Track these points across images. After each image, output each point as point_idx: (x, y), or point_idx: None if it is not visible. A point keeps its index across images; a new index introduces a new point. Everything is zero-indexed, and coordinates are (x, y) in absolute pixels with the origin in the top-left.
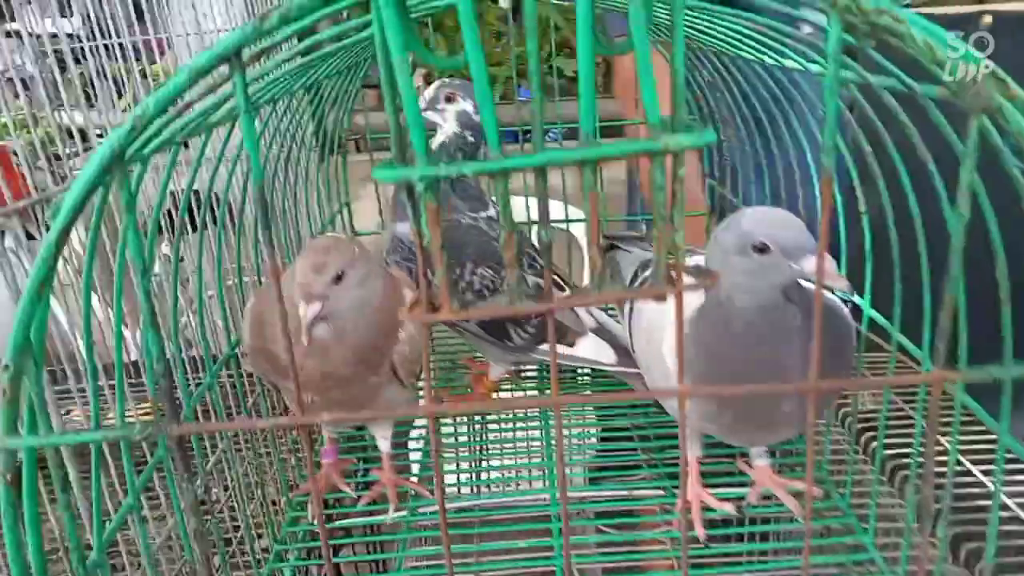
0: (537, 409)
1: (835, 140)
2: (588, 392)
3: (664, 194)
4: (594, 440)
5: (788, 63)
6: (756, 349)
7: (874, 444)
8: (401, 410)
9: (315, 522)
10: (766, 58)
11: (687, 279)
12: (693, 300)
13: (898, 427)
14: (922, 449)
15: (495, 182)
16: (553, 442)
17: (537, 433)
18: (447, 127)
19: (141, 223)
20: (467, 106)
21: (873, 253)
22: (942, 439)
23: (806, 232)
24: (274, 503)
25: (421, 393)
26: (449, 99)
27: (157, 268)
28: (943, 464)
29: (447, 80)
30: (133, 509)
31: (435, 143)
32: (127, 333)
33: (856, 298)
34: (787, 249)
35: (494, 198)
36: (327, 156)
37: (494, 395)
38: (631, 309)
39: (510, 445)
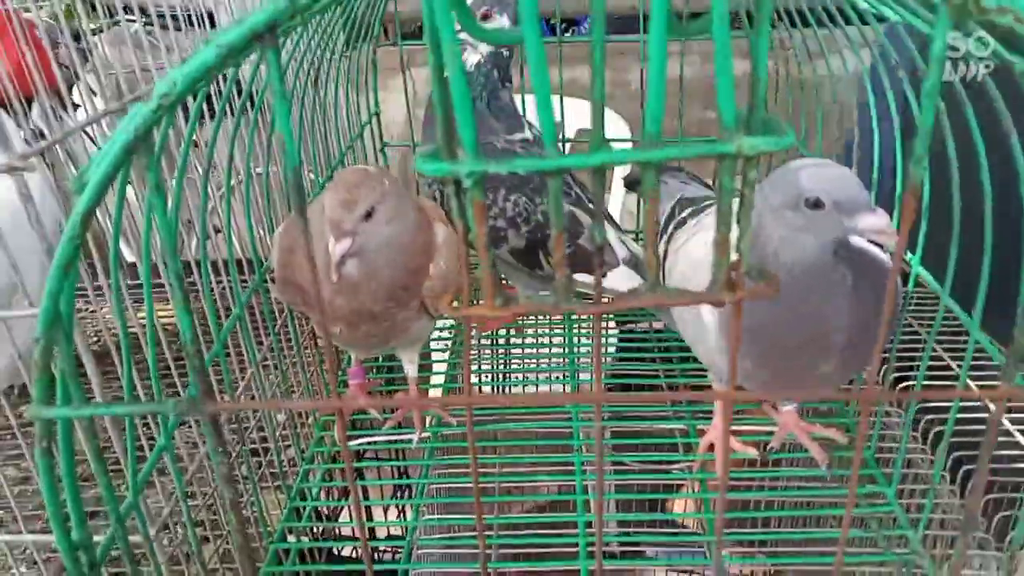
0: (561, 326)
1: (926, 150)
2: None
3: (730, 198)
4: (613, 349)
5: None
6: (800, 307)
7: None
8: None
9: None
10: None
11: (748, 284)
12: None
13: (930, 376)
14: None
15: (549, 182)
16: (578, 350)
17: (559, 350)
18: (482, 46)
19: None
20: (503, 22)
21: (930, 210)
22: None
23: (862, 188)
24: (303, 419)
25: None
26: (485, 17)
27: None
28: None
29: None
30: (165, 449)
31: (467, 62)
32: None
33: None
34: (842, 205)
35: (531, 120)
36: (357, 46)
37: (519, 321)
38: (666, 252)
39: (532, 371)
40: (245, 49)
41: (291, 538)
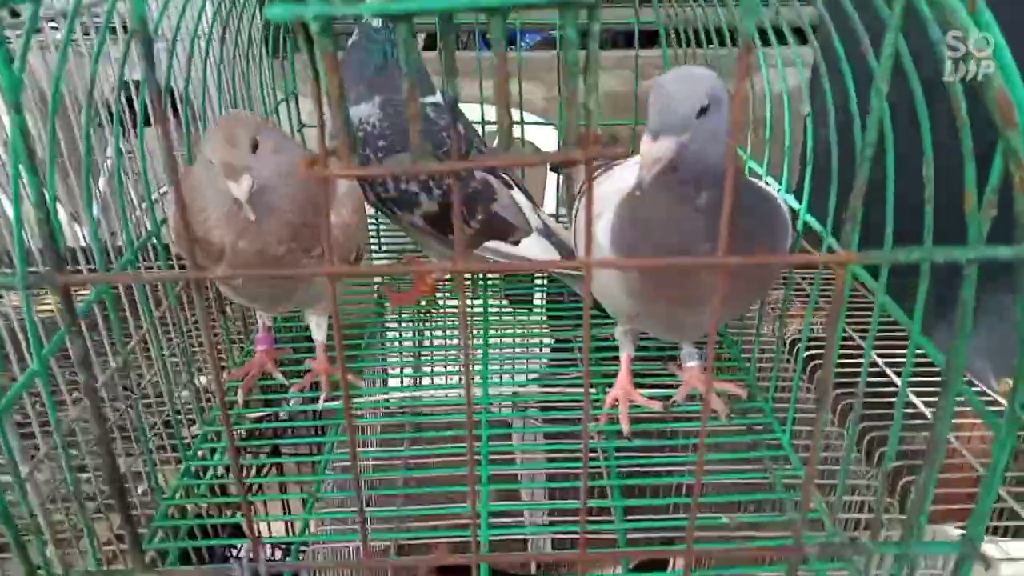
0: (479, 316)
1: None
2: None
3: (574, 52)
4: (548, 351)
5: None
6: (660, 230)
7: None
8: (301, 271)
9: (244, 407)
10: None
11: (597, 147)
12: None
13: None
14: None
15: (398, 27)
16: (490, 349)
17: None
18: None
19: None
20: None
21: (814, 157)
22: (860, 341)
23: (663, 114)
24: (207, 390)
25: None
26: None
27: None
28: (857, 365)
29: None
30: (38, 375)
31: (373, 19)
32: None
33: (792, 200)
34: (656, 127)
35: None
36: (276, 52)
37: (436, 294)
38: (576, 210)
39: (448, 352)
40: None
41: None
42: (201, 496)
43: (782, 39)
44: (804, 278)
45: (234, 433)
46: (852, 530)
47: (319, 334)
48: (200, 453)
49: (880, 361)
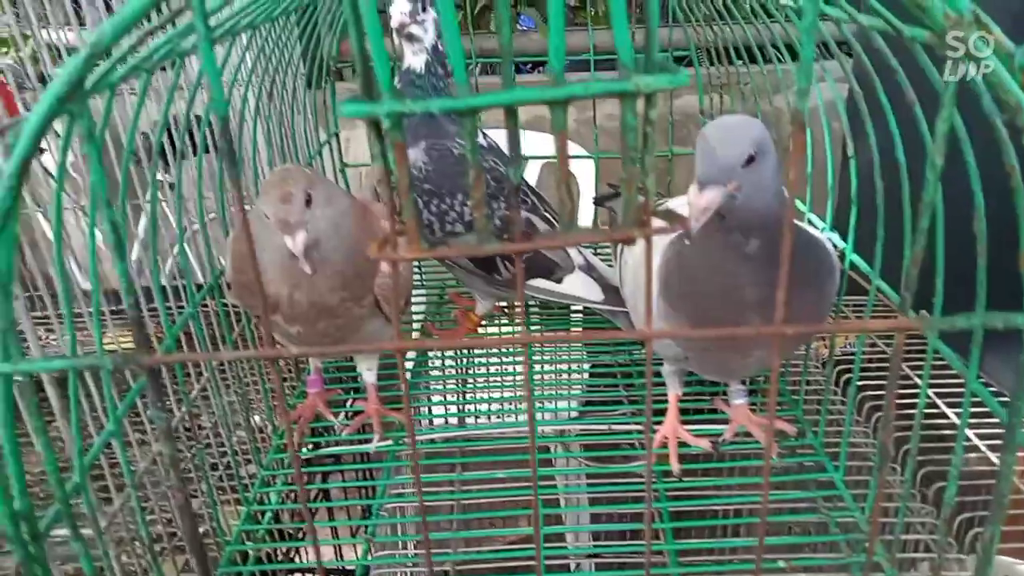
0: (521, 352)
1: (809, 83)
2: (574, 329)
3: (635, 136)
4: (586, 376)
5: None
6: (709, 277)
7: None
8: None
9: (298, 449)
10: None
11: (656, 223)
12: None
13: (875, 368)
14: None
15: (463, 121)
16: (536, 377)
17: (521, 368)
18: (428, 38)
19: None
20: (428, 27)
21: (859, 198)
22: (916, 379)
23: (713, 162)
24: (261, 431)
25: (410, 326)
26: (427, 5)
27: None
28: (914, 406)
29: None
30: (114, 435)
31: (419, 62)
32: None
33: (836, 238)
34: (703, 177)
35: (485, 131)
36: (316, 84)
37: (480, 330)
38: (621, 249)
39: (496, 379)
40: None
41: (248, 544)
42: (263, 541)
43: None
44: (854, 311)
45: (281, 476)
46: (908, 568)
47: (370, 376)
48: (259, 496)
49: (931, 393)
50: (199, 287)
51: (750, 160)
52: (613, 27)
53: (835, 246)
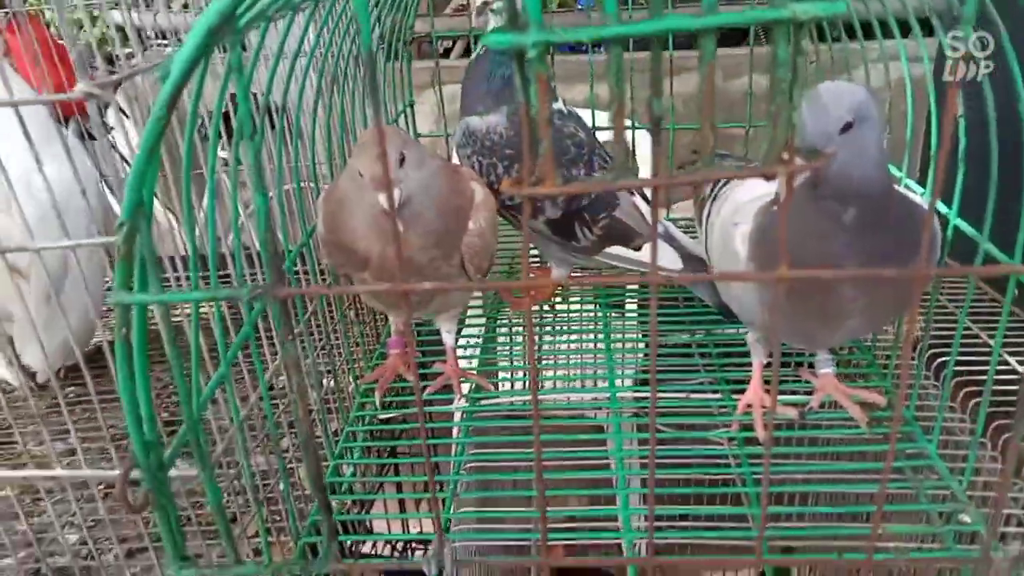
0: (593, 320)
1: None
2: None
3: (784, 69)
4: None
5: None
6: (801, 246)
7: (938, 359)
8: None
9: (380, 408)
10: None
11: (799, 160)
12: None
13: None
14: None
15: (610, 51)
16: (612, 345)
17: (590, 346)
18: (500, 19)
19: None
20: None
21: (967, 159)
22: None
23: (814, 124)
24: (343, 390)
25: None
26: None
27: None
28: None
29: None
30: (225, 378)
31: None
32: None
33: (939, 205)
34: (798, 143)
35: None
36: (392, 56)
37: (556, 299)
38: (708, 213)
39: (563, 357)
40: None
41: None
42: (345, 494)
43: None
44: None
45: (361, 433)
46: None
47: (449, 338)
48: (344, 451)
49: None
50: (288, 251)
51: (847, 127)
52: None
53: (937, 213)
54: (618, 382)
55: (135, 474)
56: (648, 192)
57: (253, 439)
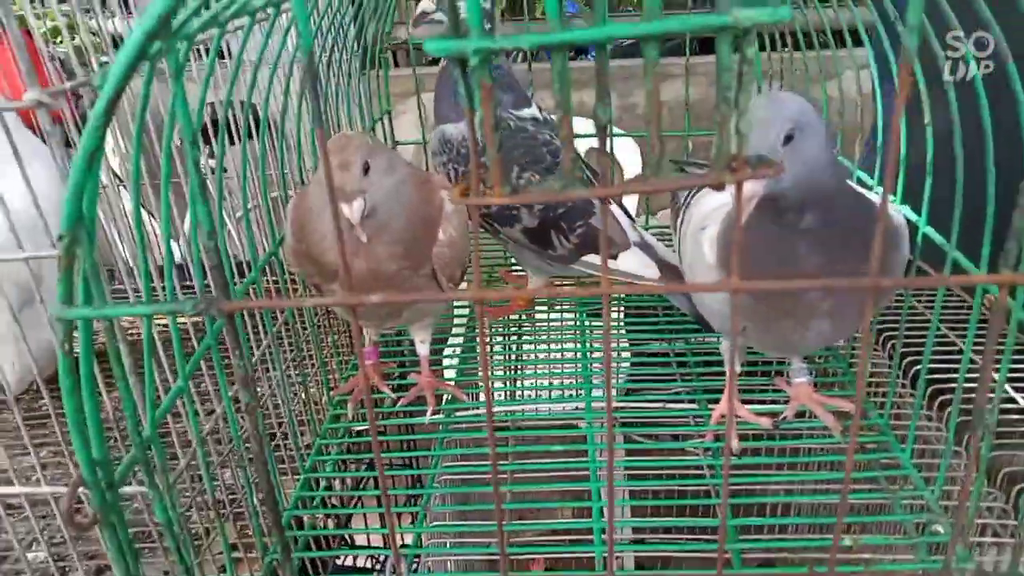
0: (573, 329)
1: (920, 20)
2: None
3: (730, 76)
4: (627, 365)
5: None
6: (766, 253)
7: (915, 367)
8: (447, 295)
9: (353, 420)
10: None
11: (747, 169)
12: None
13: (938, 351)
14: (970, 372)
15: (554, 57)
16: (589, 355)
17: (570, 355)
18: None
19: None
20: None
21: (934, 168)
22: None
23: (756, 139)
24: (316, 402)
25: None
26: None
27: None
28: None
29: None
30: (183, 391)
31: None
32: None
33: (908, 212)
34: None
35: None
36: (367, 67)
37: (530, 308)
38: (682, 220)
39: (544, 366)
40: None
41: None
42: (317, 508)
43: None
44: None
45: (335, 446)
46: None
47: (423, 348)
48: (315, 465)
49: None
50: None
51: (788, 138)
52: None
53: (907, 220)
54: (595, 392)
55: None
56: (626, 201)
57: (219, 453)
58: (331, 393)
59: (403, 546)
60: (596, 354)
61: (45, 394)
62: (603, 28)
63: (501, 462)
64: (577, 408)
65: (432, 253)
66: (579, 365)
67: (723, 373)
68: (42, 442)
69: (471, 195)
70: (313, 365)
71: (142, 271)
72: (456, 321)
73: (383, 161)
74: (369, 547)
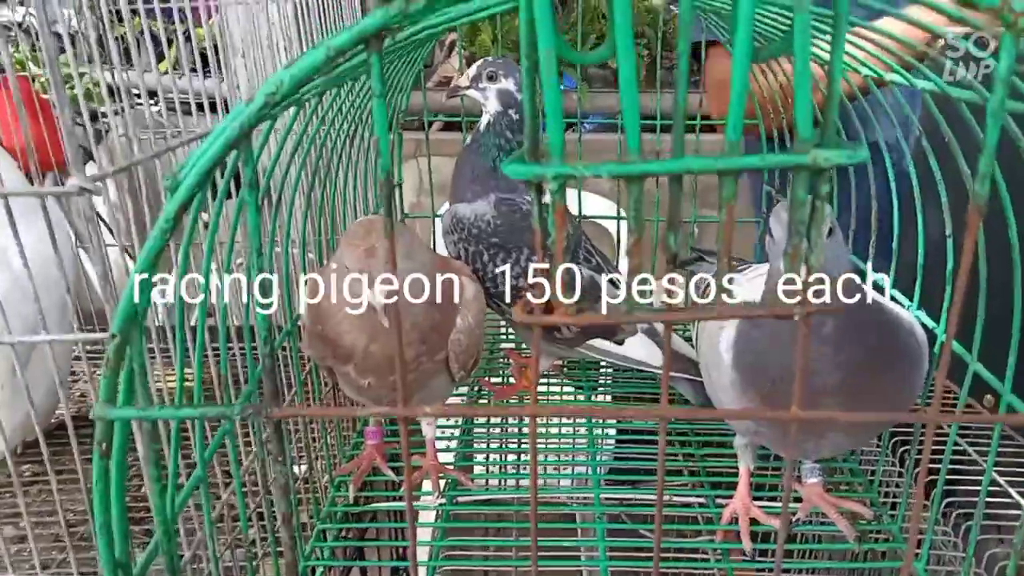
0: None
1: (992, 169)
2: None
3: (804, 211)
4: (612, 442)
5: (893, 77)
6: (781, 358)
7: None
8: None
9: (352, 502)
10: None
11: (814, 300)
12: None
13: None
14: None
15: (630, 187)
16: (596, 442)
17: (582, 442)
18: (489, 106)
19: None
20: (509, 85)
21: (954, 276)
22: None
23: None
24: (315, 482)
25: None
26: (491, 77)
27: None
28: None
29: (489, 59)
30: (202, 480)
31: (481, 124)
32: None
33: (925, 318)
34: (779, 238)
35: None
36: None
37: (539, 389)
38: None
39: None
40: (351, 50)
41: None
42: None
43: None
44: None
45: (332, 532)
46: None
47: (429, 431)
48: (314, 551)
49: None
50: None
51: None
52: (796, 95)
53: (924, 327)
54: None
55: None
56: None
57: (220, 532)
58: (333, 472)
59: None
60: (607, 442)
61: (46, 453)
62: (682, 161)
63: (482, 555)
64: (586, 499)
65: (448, 340)
66: (589, 454)
67: (726, 455)
68: (17, 512)
69: (535, 315)
70: (316, 443)
71: (177, 365)
72: (454, 398)
73: (404, 245)
74: None
